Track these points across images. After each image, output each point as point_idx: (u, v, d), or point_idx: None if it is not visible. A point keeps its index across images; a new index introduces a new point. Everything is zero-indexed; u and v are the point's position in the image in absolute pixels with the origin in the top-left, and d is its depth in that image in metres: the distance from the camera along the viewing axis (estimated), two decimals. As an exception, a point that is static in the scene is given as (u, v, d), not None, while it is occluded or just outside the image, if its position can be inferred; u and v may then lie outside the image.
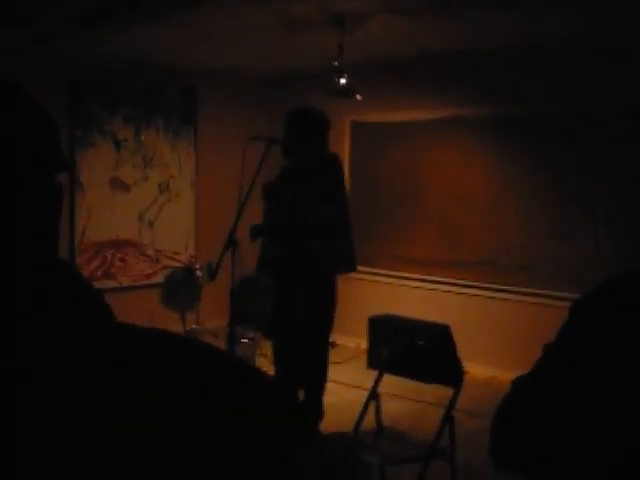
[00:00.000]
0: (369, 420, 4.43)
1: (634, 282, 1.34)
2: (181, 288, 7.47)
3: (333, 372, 6.56)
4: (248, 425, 0.85)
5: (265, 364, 6.31)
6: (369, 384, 4.56)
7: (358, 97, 6.80)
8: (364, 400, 4.45)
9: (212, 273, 5.28)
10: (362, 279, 8.45)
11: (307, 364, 5.54)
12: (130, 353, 0.85)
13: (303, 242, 5.34)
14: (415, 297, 8.14)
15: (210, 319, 7.94)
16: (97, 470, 0.77)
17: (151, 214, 8.69)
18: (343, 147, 8.59)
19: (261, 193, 5.55)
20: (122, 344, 0.86)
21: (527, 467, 1.40)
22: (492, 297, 7.58)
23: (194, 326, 7.74)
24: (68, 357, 0.81)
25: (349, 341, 8.46)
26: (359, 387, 6.49)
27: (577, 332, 1.35)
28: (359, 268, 8.39)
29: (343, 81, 6.62)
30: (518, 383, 1.42)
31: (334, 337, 8.11)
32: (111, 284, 8.19)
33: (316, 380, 5.56)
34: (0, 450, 0.76)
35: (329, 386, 5.91)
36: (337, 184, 5.52)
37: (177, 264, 8.62)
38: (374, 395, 4.37)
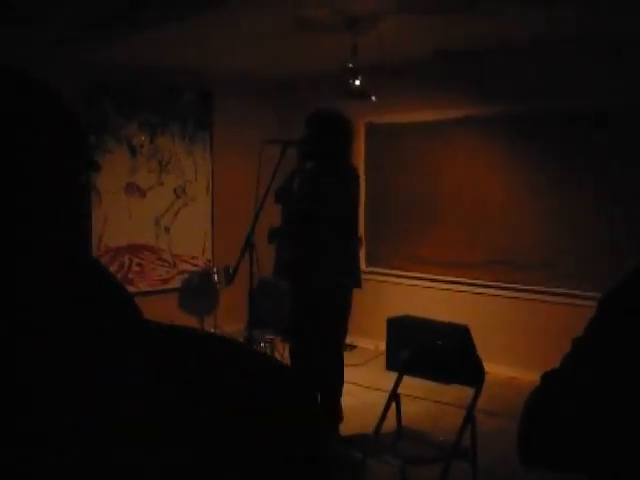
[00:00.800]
0: (389, 422, 4.42)
1: None
2: (199, 292, 7.46)
3: (352, 374, 6.56)
4: (270, 424, 0.84)
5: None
6: (388, 386, 4.53)
7: (373, 98, 6.79)
8: (384, 402, 4.43)
9: (229, 277, 5.28)
10: (380, 280, 8.44)
11: (323, 367, 5.53)
12: (158, 349, 0.85)
13: (315, 243, 5.32)
14: (433, 298, 8.12)
15: (228, 323, 7.93)
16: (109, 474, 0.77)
17: (167, 219, 8.71)
18: (358, 148, 8.58)
19: (275, 198, 5.52)
20: (148, 340, 0.86)
21: (557, 464, 1.38)
22: (510, 297, 7.55)
23: (212, 330, 7.74)
24: (90, 353, 0.80)
25: (368, 343, 8.45)
26: (378, 389, 6.47)
27: (608, 325, 1.33)
28: (377, 270, 8.45)
29: (357, 83, 6.61)
30: (548, 378, 1.40)
31: (353, 339, 8.11)
32: (129, 289, 8.18)
33: (333, 382, 5.54)
34: (9, 452, 0.75)
35: (348, 388, 5.91)
36: (351, 196, 5.48)
37: (194, 268, 8.64)
38: (394, 396, 4.36)
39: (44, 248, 0.80)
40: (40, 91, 0.83)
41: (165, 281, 8.67)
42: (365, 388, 6.93)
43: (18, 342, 0.77)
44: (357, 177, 5.53)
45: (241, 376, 0.87)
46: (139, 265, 8.52)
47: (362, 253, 7.86)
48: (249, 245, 5.08)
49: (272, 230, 5.53)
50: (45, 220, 0.80)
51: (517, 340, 7.42)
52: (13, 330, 0.77)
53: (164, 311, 7.51)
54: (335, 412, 5.50)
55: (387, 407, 4.36)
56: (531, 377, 1.37)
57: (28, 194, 0.78)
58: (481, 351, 4.52)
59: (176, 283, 8.23)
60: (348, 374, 5.83)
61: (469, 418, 4.01)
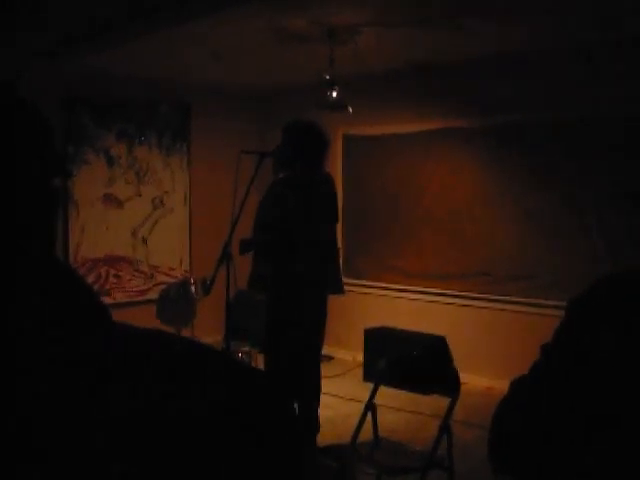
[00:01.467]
0: (366, 433, 4.42)
1: (632, 278, 1.34)
2: (176, 303, 7.45)
3: (330, 386, 6.56)
4: (246, 435, 0.84)
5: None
6: (365, 397, 4.53)
7: (349, 110, 6.81)
8: (361, 413, 4.43)
9: (207, 288, 5.28)
10: (357, 292, 8.45)
11: (300, 378, 5.53)
12: (128, 352, 0.85)
13: (290, 261, 5.33)
14: (411, 309, 8.14)
15: (206, 334, 7.92)
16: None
17: (145, 230, 8.69)
18: (335, 160, 8.59)
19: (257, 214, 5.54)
20: (119, 342, 0.86)
21: (526, 471, 1.39)
22: (488, 307, 7.58)
23: (189, 341, 7.70)
24: (64, 357, 0.80)
25: (345, 354, 8.45)
26: (356, 400, 6.47)
27: (576, 331, 1.34)
28: (355, 281, 8.45)
29: (335, 94, 6.63)
30: (516, 384, 1.41)
31: (331, 351, 8.12)
32: (106, 301, 8.16)
33: (310, 393, 5.54)
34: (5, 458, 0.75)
35: (326, 400, 5.90)
36: (330, 205, 5.51)
37: (172, 279, 8.61)
38: (370, 406, 4.36)
39: (10, 250, 0.80)
40: (7, 96, 0.84)
41: (142, 292, 8.64)
42: (342, 399, 6.93)
43: (14, 342, 0.78)
44: (333, 185, 5.57)
45: (217, 382, 0.87)
46: (116, 276, 8.49)
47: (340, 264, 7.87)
48: (226, 256, 5.08)
49: (243, 241, 5.52)
50: (13, 223, 0.80)
51: (495, 351, 7.44)
52: (4, 330, 0.78)
53: (141, 322, 7.50)
54: (312, 423, 5.49)
55: (363, 417, 4.36)
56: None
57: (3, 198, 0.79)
58: (459, 362, 4.53)
59: (154, 294, 8.21)
60: (325, 385, 5.83)
61: (445, 427, 4.02)
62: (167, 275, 8.81)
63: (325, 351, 5.84)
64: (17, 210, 0.81)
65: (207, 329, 8.00)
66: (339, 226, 8.12)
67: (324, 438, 5.41)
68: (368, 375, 7.50)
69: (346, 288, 5.70)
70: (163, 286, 8.04)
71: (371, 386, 4.57)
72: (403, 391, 4.63)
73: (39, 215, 0.84)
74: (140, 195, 8.64)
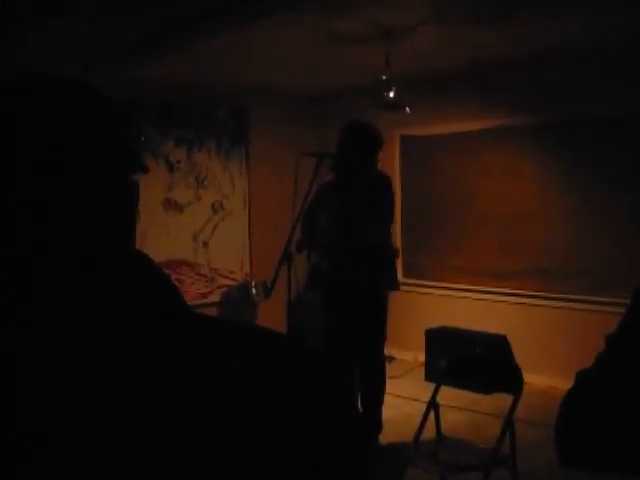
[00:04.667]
0: (429, 432, 4.42)
1: None
2: (237, 307, 7.51)
3: (392, 386, 6.56)
4: (308, 432, 0.85)
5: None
6: (427, 397, 4.53)
7: (407, 110, 6.80)
8: (423, 412, 4.43)
9: (268, 291, 5.32)
10: (418, 292, 8.44)
11: (364, 377, 5.55)
12: (203, 340, 0.87)
13: (353, 257, 5.35)
14: (470, 308, 8.10)
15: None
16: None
17: (205, 234, 8.77)
18: (393, 161, 8.59)
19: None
20: (194, 331, 0.88)
21: (595, 463, 1.38)
22: (546, 305, 7.51)
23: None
24: (139, 344, 0.83)
25: (407, 355, 8.44)
26: (417, 400, 6.47)
27: None
28: (414, 281, 8.44)
29: (392, 95, 6.63)
30: (582, 376, 1.40)
31: (392, 351, 8.11)
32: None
33: (374, 392, 5.56)
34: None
35: (388, 399, 5.90)
36: (391, 205, 5.54)
37: (232, 283, 8.68)
38: (433, 405, 4.36)
39: (91, 243, 0.83)
40: (89, 96, 0.86)
41: (204, 295, 8.72)
42: (404, 399, 6.93)
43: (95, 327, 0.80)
44: (391, 185, 5.58)
45: (284, 369, 0.89)
46: (178, 280, 8.58)
47: (399, 264, 7.86)
48: (287, 257, 5.12)
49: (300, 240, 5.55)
50: (92, 214, 0.83)
51: (556, 350, 7.37)
52: (90, 316, 0.80)
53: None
54: (376, 422, 5.51)
55: (426, 416, 4.36)
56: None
57: (77, 190, 0.81)
58: (520, 361, 4.51)
59: (215, 297, 8.29)
60: (387, 386, 5.84)
61: (508, 425, 4.01)
62: (227, 278, 8.88)
63: (386, 352, 5.85)
64: (96, 206, 0.83)
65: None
66: (397, 226, 8.13)
67: (387, 437, 5.42)
68: (429, 375, 7.48)
69: (405, 288, 5.71)
70: (224, 289, 8.11)
71: (432, 386, 4.57)
72: (465, 391, 4.63)
73: (119, 210, 0.87)
74: (200, 199, 8.73)
